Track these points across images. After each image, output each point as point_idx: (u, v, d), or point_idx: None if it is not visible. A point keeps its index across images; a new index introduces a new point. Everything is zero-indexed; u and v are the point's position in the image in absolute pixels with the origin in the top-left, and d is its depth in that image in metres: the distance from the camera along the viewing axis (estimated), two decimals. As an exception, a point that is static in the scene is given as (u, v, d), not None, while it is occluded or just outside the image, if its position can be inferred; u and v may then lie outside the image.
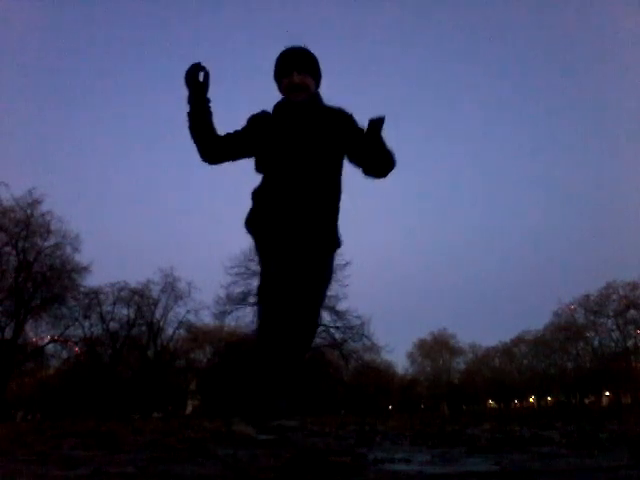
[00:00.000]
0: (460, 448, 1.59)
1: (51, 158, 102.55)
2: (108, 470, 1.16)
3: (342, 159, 2.18)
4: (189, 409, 39.15)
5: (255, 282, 29.29)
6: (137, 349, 30.72)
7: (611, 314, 39.43)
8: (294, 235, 2.00)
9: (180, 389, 34.36)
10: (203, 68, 2.16)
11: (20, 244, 24.46)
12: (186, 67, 2.16)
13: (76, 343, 27.79)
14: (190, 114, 2.16)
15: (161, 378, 29.44)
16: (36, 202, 24.59)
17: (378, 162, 2.06)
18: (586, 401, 45.84)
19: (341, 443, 1.98)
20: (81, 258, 26.16)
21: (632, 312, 38.02)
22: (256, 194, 2.14)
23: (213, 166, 2.25)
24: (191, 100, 2.15)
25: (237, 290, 29.00)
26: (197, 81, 2.14)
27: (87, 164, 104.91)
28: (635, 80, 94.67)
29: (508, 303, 79.40)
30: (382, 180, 2.14)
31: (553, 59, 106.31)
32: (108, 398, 27.31)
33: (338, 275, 25.27)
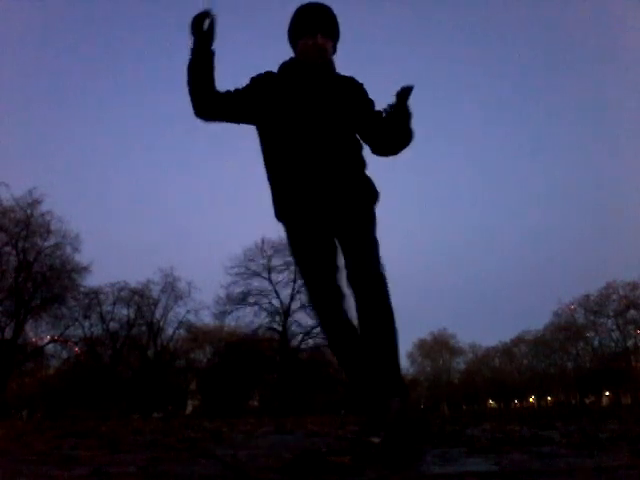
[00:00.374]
0: (460, 448, 1.59)
1: (51, 158, 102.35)
2: (108, 470, 1.16)
3: (355, 125, 2.06)
4: (189, 409, 39.12)
5: (255, 282, 29.36)
6: (137, 349, 30.70)
7: (611, 314, 39.44)
8: (327, 199, 1.89)
9: (180, 389, 34.32)
10: (210, 16, 1.96)
11: (20, 244, 24.49)
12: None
13: (76, 343, 27.81)
14: (190, 64, 2.00)
15: (161, 378, 29.41)
16: (36, 202, 24.69)
17: (398, 135, 1.96)
18: (586, 401, 45.80)
19: (341, 443, 1.97)
20: (81, 258, 26.25)
21: (632, 312, 38.04)
22: (271, 172, 2.02)
23: (207, 123, 2.07)
24: (193, 50, 1.99)
25: (237, 290, 29.12)
26: (201, 30, 1.97)
27: (87, 164, 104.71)
28: (635, 80, 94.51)
29: (508, 303, 79.31)
30: (391, 158, 2.06)
31: (553, 59, 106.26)
32: (108, 398, 27.30)
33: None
